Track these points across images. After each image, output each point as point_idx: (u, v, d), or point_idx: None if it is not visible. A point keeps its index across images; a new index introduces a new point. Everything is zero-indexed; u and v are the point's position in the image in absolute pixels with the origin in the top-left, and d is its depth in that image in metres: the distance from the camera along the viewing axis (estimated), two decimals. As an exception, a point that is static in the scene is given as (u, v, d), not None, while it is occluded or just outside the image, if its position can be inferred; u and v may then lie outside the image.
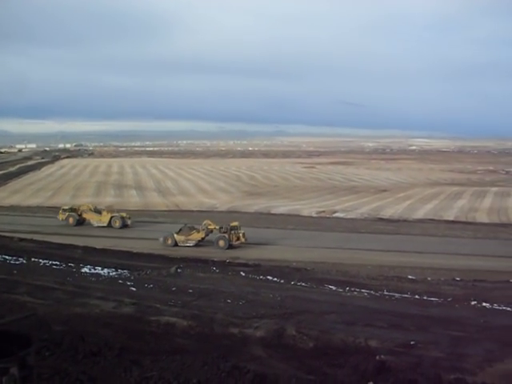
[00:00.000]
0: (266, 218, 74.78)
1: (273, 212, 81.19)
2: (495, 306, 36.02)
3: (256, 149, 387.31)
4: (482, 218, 78.51)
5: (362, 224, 68.26)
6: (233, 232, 56.70)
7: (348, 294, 38.08)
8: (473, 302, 36.40)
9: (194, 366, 17.13)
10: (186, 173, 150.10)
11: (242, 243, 57.19)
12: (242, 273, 43.52)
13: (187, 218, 72.16)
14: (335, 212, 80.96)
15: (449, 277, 44.04)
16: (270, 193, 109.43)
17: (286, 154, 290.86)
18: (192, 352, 20.58)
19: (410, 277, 43.68)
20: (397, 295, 37.93)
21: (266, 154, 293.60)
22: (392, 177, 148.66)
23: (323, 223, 71.27)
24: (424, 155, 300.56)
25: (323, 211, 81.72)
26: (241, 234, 57.11)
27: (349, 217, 76.53)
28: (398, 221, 74.01)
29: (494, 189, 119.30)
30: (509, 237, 62.40)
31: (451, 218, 76.80)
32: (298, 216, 78.14)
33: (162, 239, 57.12)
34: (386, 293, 38.40)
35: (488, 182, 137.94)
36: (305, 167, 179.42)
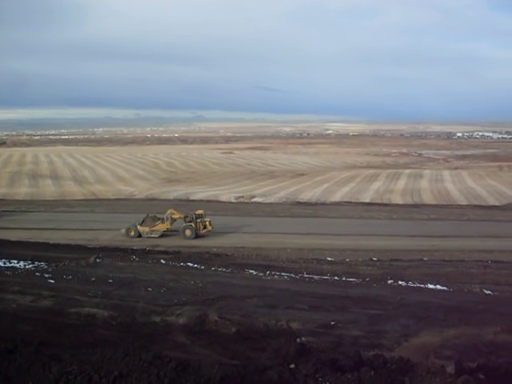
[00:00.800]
0: (185, 205, 74.18)
1: (192, 198, 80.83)
2: (410, 283, 37.23)
3: (174, 135, 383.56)
4: (397, 199, 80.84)
5: (280, 208, 68.93)
6: (199, 220, 55.07)
7: (269, 277, 38.39)
8: (389, 281, 37.49)
9: (115, 358, 16.81)
10: (102, 161, 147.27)
11: (209, 231, 55.63)
12: (162, 260, 43.11)
13: (104, 207, 70.96)
14: (254, 197, 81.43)
15: (366, 257, 45.16)
16: (189, 179, 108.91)
17: (203, 140, 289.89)
18: (113, 343, 20.24)
19: (329, 259, 44.50)
20: (316, 277, 38.55)
21: (184, 140, 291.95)
22: (309, 161, 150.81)
23: (242, 208, 71.59)
24: (340, 139, 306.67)
25: (242, 196, 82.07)
26: (207, 222, 55.40)
27: (267, 201, 77.16)
28: (315, 204, 75.15)
29: (408, 171, 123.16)
30: (422, 217, 64.48)
31: (367, 200, 78.69)
32: (217, 202, 78.15)
33: (124, 231, 54.72)
34: (306, 275, 38.96)
35: (402, 165, 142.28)
36: (223, 153, 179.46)
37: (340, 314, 30.63)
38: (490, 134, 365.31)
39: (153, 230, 54.80)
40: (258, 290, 34.57)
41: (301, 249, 48.27)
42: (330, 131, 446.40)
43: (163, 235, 55.26)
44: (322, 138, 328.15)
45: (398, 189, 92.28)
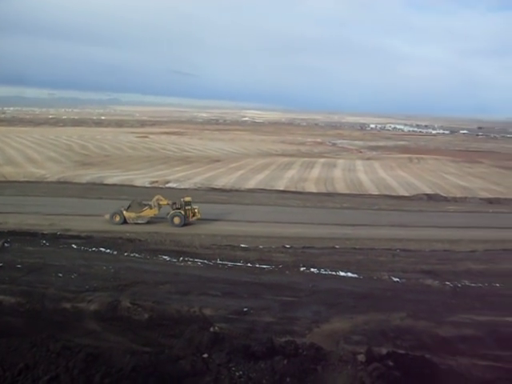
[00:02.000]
0: (98, 189, 72.69)
1: (106, 182, 79.16)
2: (322, 270, 38.00)
3: (89, 117, 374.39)
4: (311, 187, 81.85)
5: (195, 194, 68.46)
6: (188, 208, 53.59)
7: (182, 263, 38.27)
8: (302, 268, 38.11)
9: (21, 349, 16.27)
10: (12, 141, 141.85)
11: (198, 219, 54.24)
12: (73, 245, 42.14)
13: (14, 189, 68.52)
14: (168, 182, 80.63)
15: (279, 244, 45.58)
16: (103, 163, 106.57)
17: (118, 124, 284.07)
18: (21, 331, 19.64)
19: (242, 245, 44.68)
20: (230, 263, 38.71)
21: (99, 123, 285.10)
22: (225, 147, 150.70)
23: (156, 193, 70.87)
24: (256, 126, 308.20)
25: (156, 181, 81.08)
26: (196, 210, 54.13)
27: (182, 187, 76.52)
28: (230, 190, 75.16)
29: (322, 160, 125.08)
30: (335, 206, 65.70)
31: (282, 188, 79.27)
32: (132, 186, 76.86)
33: (108, 216, 52.70)
34: (219, 261, 39.06)
35: (316, 154, 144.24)
36: (138, 137, 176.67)
37: (253, 300, 30.92)
38: (402, 127, 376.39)
39: (139, 216, 53.27)
40: (170, 276, 34.42)
41: (214, 235, 48.21)
42: (246, 118, 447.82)
43: (149, 222, 53.69)
44: (238, 124, 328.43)
45: (311, 177, 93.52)
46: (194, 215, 53.72)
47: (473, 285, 37.17)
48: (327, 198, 71.28)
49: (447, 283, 36.92)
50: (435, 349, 25.64)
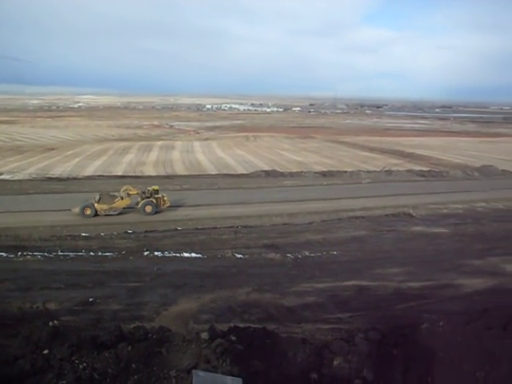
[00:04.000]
0: None
1: None
2: (166, 253, 38.00)
3: None
4: (150, 171, 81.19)
5: (30, 185, 65.42)
6: (158, 196, 53.32)
7: (21, 258, 36.51)
8: (146, 253, 37.87)
9: None
10: None
11: (168, 207, 54.00)
12: None
13: None
14: (0, 174, 76.37)
15: (121, 230, 44.83)
16: None
17: None
18: None
19: (83, 234, 43.42)
20: (72, 254, 37.55)
21: None
22: (59, 135, 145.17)
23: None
24: (91, 112, 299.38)
25: (-14, 174, 76.52)
26: (166, 198, 53.89)
27: (16, 178, 72.73)
28: (67, 179, 72.56)
29: (159, 143, 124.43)
30: (175, 188, 65.55)
31: (120, 173, 77.87)
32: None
33: (78, 209, 50.52)
34: (60, 253, 37.73)
35: (154, 137, 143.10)
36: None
37: (98, 289, 30.30)
38: (238, 106, 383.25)
39: (111, 208, 52.05)
40: (9, 273, 32.80)
41: (53, 226, 46.33)
42: (80, 104, 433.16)
43: (121, 212, 52.32)
44: (72, 110, 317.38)
45: (150, 161, 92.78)
46: (164, 203, 53.84)
47: (312, 255, 38.96)
48: (167, 181, 70.95)
49: (288, 255, 38.39)
50: (281, 319, 26.70)
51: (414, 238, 45.59)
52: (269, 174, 77.64)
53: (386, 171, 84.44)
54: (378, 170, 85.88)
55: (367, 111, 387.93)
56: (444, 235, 46.89)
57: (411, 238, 45.55)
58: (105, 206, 51.87)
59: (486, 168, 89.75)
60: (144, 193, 53.58)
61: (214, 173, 79.52)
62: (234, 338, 17.92)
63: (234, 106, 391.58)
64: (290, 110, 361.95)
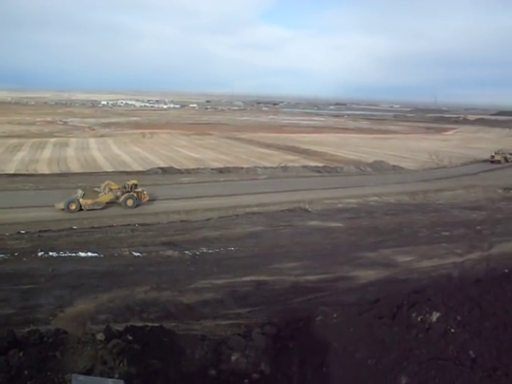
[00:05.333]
0: None
1: None
2: (61, 253, 37.03)
3: None
4: (43, 169, 78.73)
5: None
6: (138, 190, 55.31)
7: None
8: (40, 253, 36.71)
9: None
10: None
11: (148, 201, 55.93)
12: None
13: None
14: None
15: (13, 231, 43.22)
16: None
17: None
18: None
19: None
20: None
21: None
22: None
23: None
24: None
25: None
26: (145, 192, 55.83)
27: None
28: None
29: (53, 140, 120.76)
30: (69, 186, 63.78)
31: (12, 171, 75.02)
32: None
33: (62, 205, 51.28)
34: None
35: (47, 133, 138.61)
36: None
37: (-12, 293, 29.15)
38: (134, 103, 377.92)
39: (96, 202, 53.19)
40: None
41: None
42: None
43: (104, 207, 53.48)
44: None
45: (43, 158, 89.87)
46: (144, 197, 55.60)
47: (210, 251, 39.15)
48: (61, 179, 69.07)
49: (186, 252, 38.40)
50: (181, 316, 26.69)
51: (310, 232, 46.72)
52: (166, 170, 77.20)
53: (282, 167, 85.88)
54: (274, 166, 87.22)
55: (264, 108, 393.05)
56: (339, 229, 48.35)
57: (307, 232, 46.66)
58: (89, 201, 52.91)
59: (378, 163, 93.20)
60: (125, 187, 55.07)
61: (109, 170, 78.17)
62: (130, 338, 17.71)
63: (130, 102, 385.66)
64: (187, 106, 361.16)
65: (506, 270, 23.62)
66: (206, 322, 25.88)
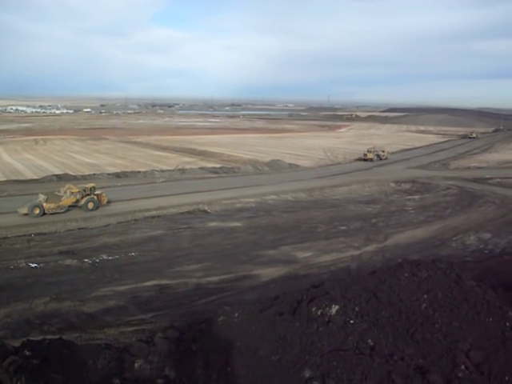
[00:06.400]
0: None
1: None
2: (-47, 269, 35.38)
3: None
4: None
5: None
6: (97, 193, 56.67)
7: None
8: None
9: None
10: None
11: (108, 203, 57.63)
12: None
13: None
14: None
15: None
16: None
17: None
18: None
19: None
20: None
21: None
22: None
23: None
24: None
25: None
26: (104, 195, 57.36)
27: None
28: None
29: None
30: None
31: None
32: None
33: (26, 209, 51.76)
34: None
35: None
36: None
37: None
38: (24, 108, 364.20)
39: (59, 206, 53.85)
40: None
41: None
42: None
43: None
44: None
45: None
46: (103, 199, 57.19)
47: (110, 258, 38.61)
48: None
49: (86, 260, 37.70)
50: (83, 326, 26.19)
51: (210, 233, 46.96)
52: (61, 177, 75.10)
53: (179, 169, 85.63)
54: (171, 168, 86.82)
55: (159, 111, 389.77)
56: (239, 229, 48.85)
57: (208, 233, 46.88)
58: (53, 205, 53.58)
59: (274, 162, 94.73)
60: (84, 190, 56.11)
61: (1, 179, 75.23)
62: (28, 353, 17.18)
63: (20, 108, 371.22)
64: (80, 111, 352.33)
65: (400, 260, 24.81)
66: (109, 330, 25.57)
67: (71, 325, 26.46)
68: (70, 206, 55.04)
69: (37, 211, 52.06)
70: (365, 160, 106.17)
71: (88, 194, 55.98)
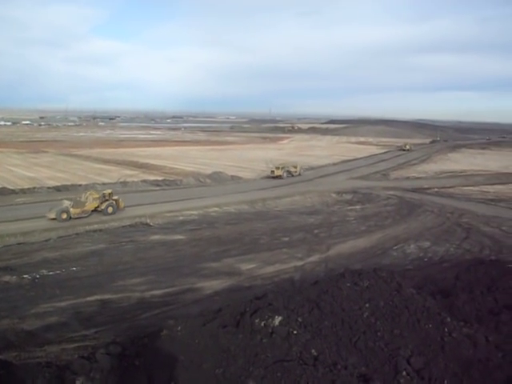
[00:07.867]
0: None
1: None
2: None
3: None
4: None
5: None
6: (115, 198, 61.21)
7: None
8: None
9: None
10: None
11: (124, 208, 61.98)
12: None
13: None
14: None
15: None
16: None
17: None
18: None
19: None
20: None
21: None
22: None
23: None
24: None
25: None
26: (120, 200, 61.86)
27: None
28: None
29: None
30: None
31: None
32: None
33: (54, 214, 55.58)
34: None
35: None
36: None
37: None
38: None
39: (83, 211, 57.88)
40: None
41: None
42: None
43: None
44: None
45: None
46: (121, 204, 61.83)
47: (51, 273, 37.83)
48: None
49: (25, 276, 36.81)
50: (22, 344, 25.53)
51: (152, 246, 46.58)
52: (-2, 191, 73.28)
53: (121, 182, 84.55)
54: (113, 181, 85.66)
55: (100, 123, 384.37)
56: (182, 241, 48.62)
57: (150, 247, 46.48)
58: (78, 210, 57.53)
59: (216, 174, 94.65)
60: (104, 196, 60.41)
61: None
62: None
63: None
64: (19, 123, 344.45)
65: (342, 270, 25.14)
66: (50, 348, 25.01)
67: (9, 343, 25.73)
68: (92, 211, 59.09)
69: (64, 216, 55.93)
70: (273, 178, 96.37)
71: (107, 200, 60.35)
